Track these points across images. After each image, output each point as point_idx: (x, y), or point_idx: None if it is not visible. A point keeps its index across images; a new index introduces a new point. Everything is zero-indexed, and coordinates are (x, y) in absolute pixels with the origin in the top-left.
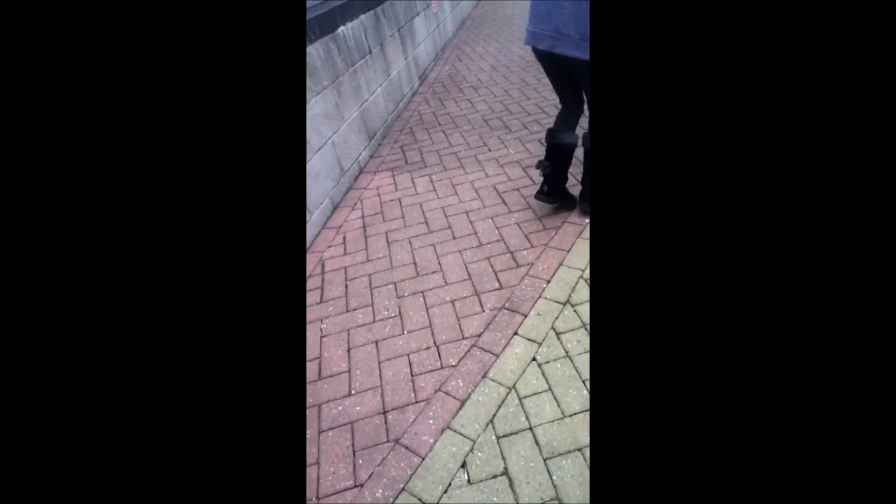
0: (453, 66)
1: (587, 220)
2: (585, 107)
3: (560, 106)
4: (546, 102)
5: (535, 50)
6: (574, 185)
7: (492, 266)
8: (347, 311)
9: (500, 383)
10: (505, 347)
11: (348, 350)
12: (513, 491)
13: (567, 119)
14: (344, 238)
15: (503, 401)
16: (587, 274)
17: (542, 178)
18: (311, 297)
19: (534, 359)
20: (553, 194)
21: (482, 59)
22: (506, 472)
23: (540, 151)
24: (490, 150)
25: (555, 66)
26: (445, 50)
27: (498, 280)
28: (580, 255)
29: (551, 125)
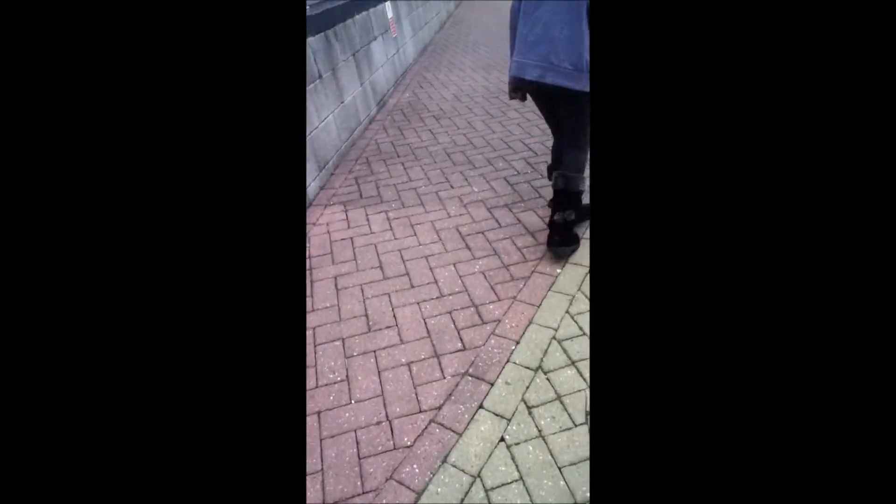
0: (414, 93)
1: (558, 270)
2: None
3: (553, 140)
4: (511, 137)
5: (521, 81)
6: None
7: (454, 322)
8: None
9: (462, 470)
10: (469, 424)
11: None
12: None
13: (559, 149)
14: None
15: (466, 493)
16: (561, 334)
17: (554, 223)
18: None
19: (502, 439)
20: (570, 241)
21: (444, 87)
22: None
23: (505, 190)
24: (452, 187)
25: (544, 97)
26: (406, 76)
27: (461, 339)
28: (552, 311)
29: (551, 164)
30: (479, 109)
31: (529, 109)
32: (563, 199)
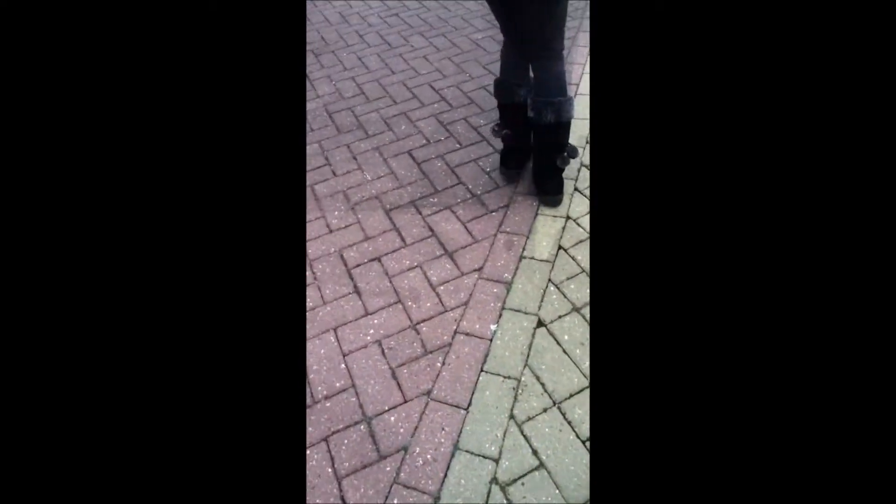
0: None
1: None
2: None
3: (504, 39)
4: (416, 78)
5: None
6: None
7: None
8: None
9: None
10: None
11: None
12: None
13: (517, 60)
14: None
15: None
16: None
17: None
18: None
19: None
20: (521, 164)
21: (328, 2)
22: None
23: (411, 175)
24: (335, 175)
25: None
26: None
27: None
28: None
29: (502, 77)
30: (373, 37)
31: (438, 32)
32: (558, 134)
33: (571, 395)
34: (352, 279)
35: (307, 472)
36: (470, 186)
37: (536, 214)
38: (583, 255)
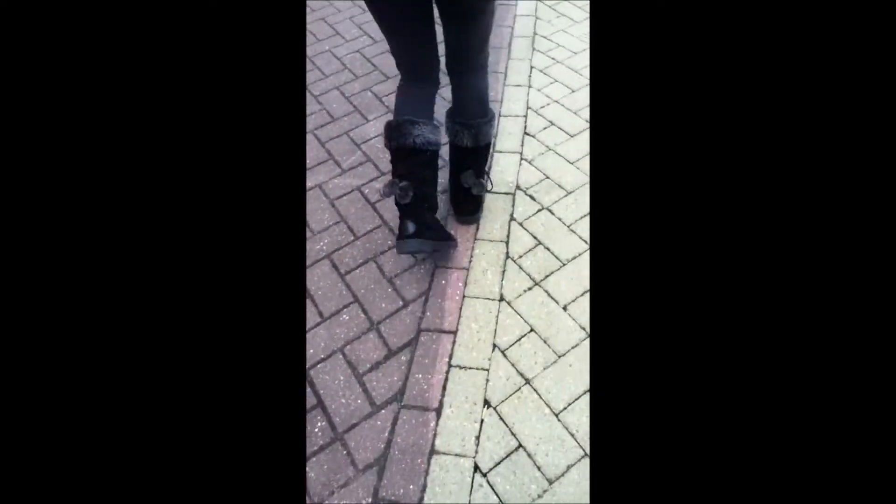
0: None
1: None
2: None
3: (400, 69)
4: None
5: None
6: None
7: None
8: None
9: None
10: None
11: None
12: None
13: (419, 94)
14: None
15: None
16: None
17: (398, 211)
18: None
19: None
20: (423, 231)
21: None
22: None
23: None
24: None
25: None
26: None
27: None
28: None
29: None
30: None
31: None
32: (476, 159)
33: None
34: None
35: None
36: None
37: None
38: (534, 228)
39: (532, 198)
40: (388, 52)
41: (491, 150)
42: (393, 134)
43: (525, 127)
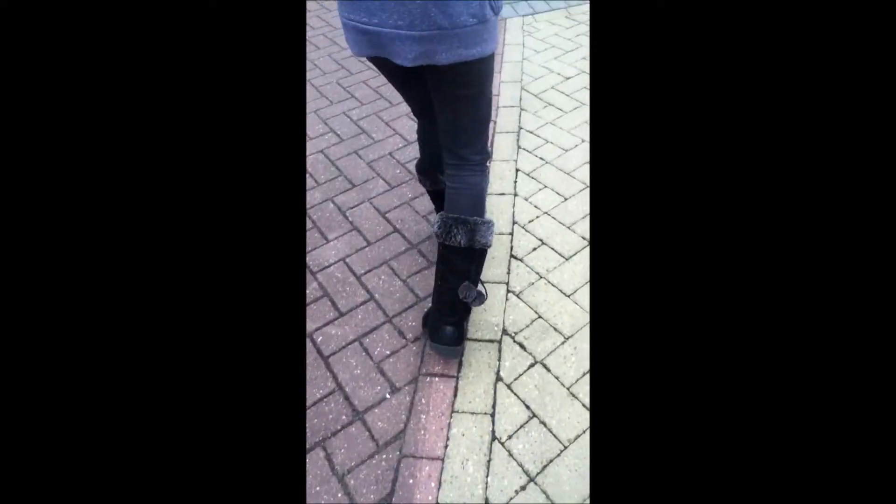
0: None
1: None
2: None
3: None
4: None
5: (385, 65)
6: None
7: None
8: None
9: None
10: None
11: None
12: None
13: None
14: None
15: None
16: None
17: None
18: None
19: None
20: (461, 338)
21: None
22: None
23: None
24: None
25: (414, 79)
26: None
27: None
28: None
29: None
30: None
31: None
32: (469, 262)
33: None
34: None
35: None
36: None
37: None
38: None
39: (522, 347)
40: None
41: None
42: (424, 178)
43: (511, 248)
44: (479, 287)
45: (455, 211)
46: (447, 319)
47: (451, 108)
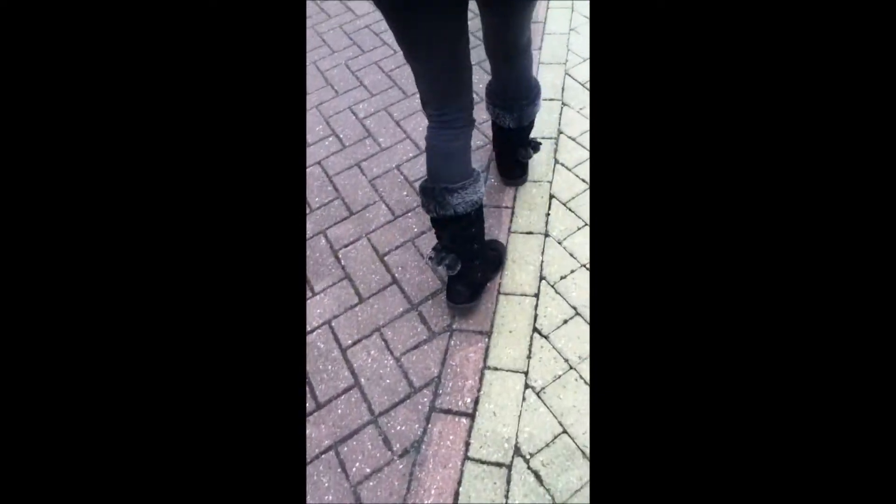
0: None
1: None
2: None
3: (427, 109)
4: None
5: None
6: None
7: None
8: None
9: None
10: None
11: None
12: None
13: (451, 147)
14: None
15: None
16: None
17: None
18: None
19: None
20: (475, 293)
21: None
22: None
23: None
24: None
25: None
26: None
27: None
28: None
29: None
30: None
31: None
32: (521, 136)
33: None
34: None
35: None
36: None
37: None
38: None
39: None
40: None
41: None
42: (430, 203)
43: (550, 193)
44: (529, 147)
45: (504, 97)
46: (513, 171)
47: (507, 7)
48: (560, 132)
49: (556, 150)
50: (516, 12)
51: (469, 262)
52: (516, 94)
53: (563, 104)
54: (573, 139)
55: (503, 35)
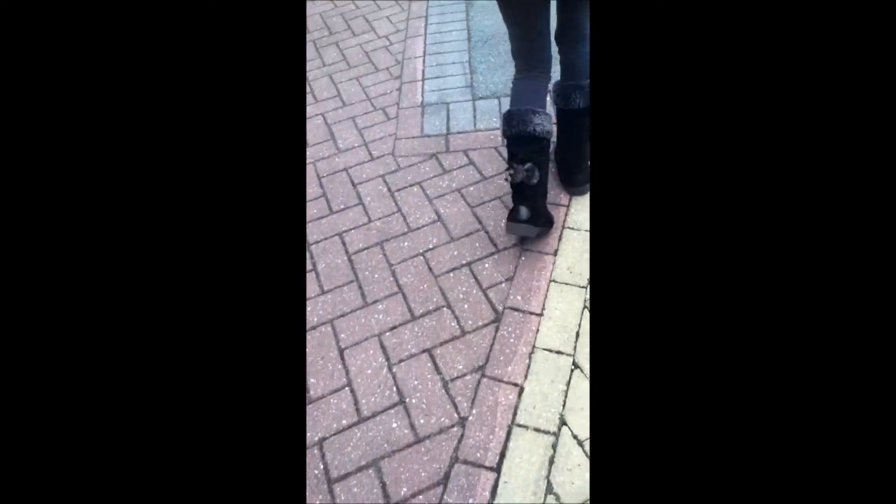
0: None
1: None
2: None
3: (517, 60)
4: None
5: None
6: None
7: None
8: None
9: None
10: None
11: None
12: None
13: (534, 85)
14: None
15: None
16: None
17: (513, 193)
18: None
19: None
20: (536, 217)
21: None
22: None
23: None
24: None
25: None
26: None
27: None
28: None
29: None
30: None
31: None
32: (588, 119)
33: None
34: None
35: None
36: None
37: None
38: None
39: None
40: None
41: None
42: (513, 122)
43: None
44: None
45: (573, 78)
46: (577, 175)
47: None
48: None
49: None
50: (581, 5)
51: (539, 183)
52: (585, 73)
53: None
54: None
55: (570, 23)
